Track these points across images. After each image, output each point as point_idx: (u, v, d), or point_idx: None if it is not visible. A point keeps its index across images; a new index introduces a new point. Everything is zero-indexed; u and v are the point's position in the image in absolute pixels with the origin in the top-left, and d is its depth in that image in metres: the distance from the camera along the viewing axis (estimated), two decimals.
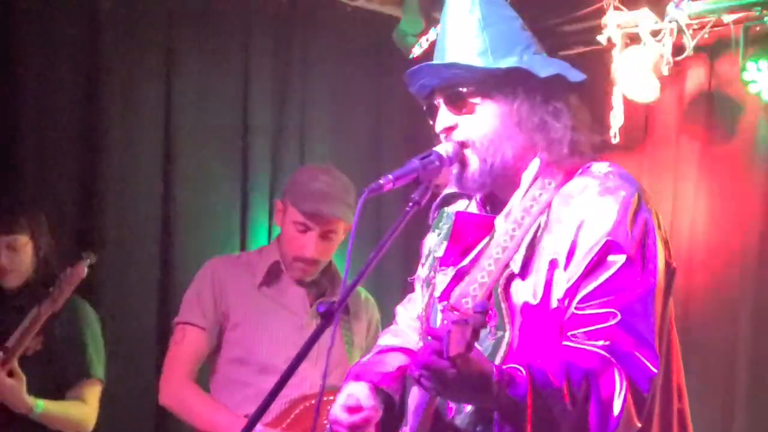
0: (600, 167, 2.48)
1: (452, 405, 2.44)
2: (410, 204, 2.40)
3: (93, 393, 4.20)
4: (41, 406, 4.00)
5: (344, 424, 2.57)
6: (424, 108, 2.60)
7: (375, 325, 4.09)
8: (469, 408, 2.39)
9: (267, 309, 3.91)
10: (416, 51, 5.05)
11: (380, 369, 2.65)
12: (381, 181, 2.40)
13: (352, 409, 2.59)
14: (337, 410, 2.60)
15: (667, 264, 2.44)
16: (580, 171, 2.48)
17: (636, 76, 5.09)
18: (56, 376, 4.13)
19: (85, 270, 4.06)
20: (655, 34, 5.05)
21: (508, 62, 2.48)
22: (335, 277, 4.02)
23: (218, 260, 4.07)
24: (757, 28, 4.94)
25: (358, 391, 2.61)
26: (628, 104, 5.13)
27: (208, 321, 3.90)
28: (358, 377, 2.67)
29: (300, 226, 3.88)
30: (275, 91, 5.43)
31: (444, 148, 2.48)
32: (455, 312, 2.30)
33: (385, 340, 2.80)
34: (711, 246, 5.15)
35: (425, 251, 2.71)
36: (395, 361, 2.67)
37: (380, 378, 2.64)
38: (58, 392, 4.12)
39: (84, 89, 4.80)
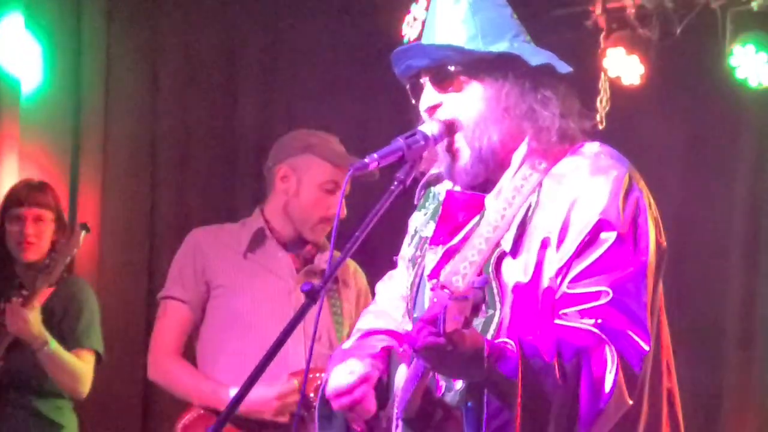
0: (591, 147, 2.48)
1: (442, 382, 2.43)
2: (395, 183, 2.40)
3: (89, 360, 4.26)
4: (54, 343, 4.08)
5: (343, 389, 2.52)
6: (408, 88, 2.57)
7: (364, 294, 4.08)
8: (459, 385, 2.38)
9: (253, 274, 3.91)
10: (406, 31, 5.03)
11: (365, 352, 2.63)
12: (366, 160, 2.39)
13: (349, 374, 2.55)
14: (333, 382, 2.56)
15: (658, 244, 2.44)
16: (571, 151, 2.47)
17: (623, 60, 5.08)
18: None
19: (80, 242, 4.15)
20: (642, 18, 5.05)
21: (499, 47, 2.47)
22: (323, 243, 4.00)
23: (200, 231, 4.05)
24: (744, 13, 4.93)
25: (346, 364, 2.58)
26: (615, 89, 5.13)
27: (190, 294, 3.90)
28: (341, 359, 2.64)
29: (329, 185, 3.87)
30: (263, 75, 5.42)
31: (429, 128, 2.46)
32: (445, 290, 2.29)
33: (367, 322, 2.77)
34: (698, 230, 5.16)
35: (411, 230, 2.70)
36: (378, 342, 2.65)
37: (363, 358, 2.61)
38: None
39: None
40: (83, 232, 4.15)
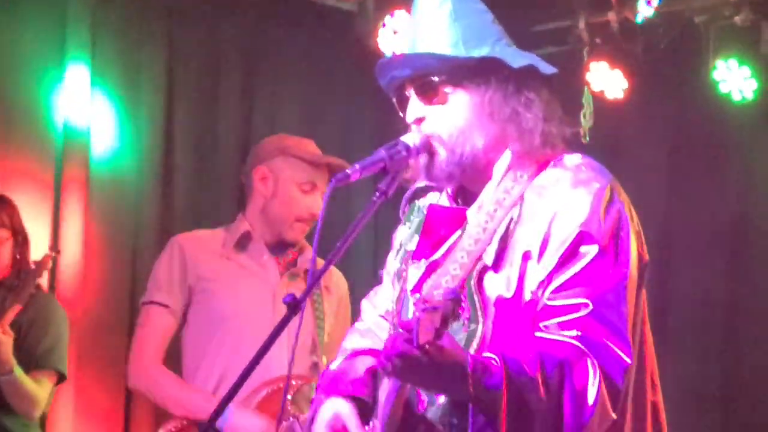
0: (572, 159, 2.47)
1: (424, 397, 2.42)
2: (377, 194, 2.40)
3: (47, 383, 4.20)
4: (18, 371, 4.04)
5: None
6: (394, 100, 2.57)
7: (345, 301, 4.10)
8: (441, 400, 2.37)
9: (237, 277, 3.91)
10: (383, 45, 5.05)
11: (352, 377, 2.61)
12: (348, 171, 2.39)
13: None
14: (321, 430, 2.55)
15: (640, 256, 2.43)
16: (552, 163, 2.46)
17: (606, 74, 5.09)
18: (21, 366, 4.12)
19: (50, 263, 4.14)
20: (625, 32, 5.05)
21: (481, 52, 2.47)
22: (303, 245, 4.02)
23: (183, 236, 4.06)
24: (727, 28, 4.95)
25: (344, 415, 2.55)
26: (599, 103, 5.13)
27: (173, 299, 3.89)
28: (332, 389, 2.61)
29: (306, 186, 3.92)
30: (245, 87, 5.41)
31: (411, 138, 2.46)
32: (427, 304, 2.27)
33: (353, 342, 2.75)
34: (682, 242, 5.16)
35: (396, 244, 2.69)
36: (363, 365, 2.63)
37: (354, 387, 2.60)
38: None
39: None
40: (53, 254, 4.15)
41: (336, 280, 4.11)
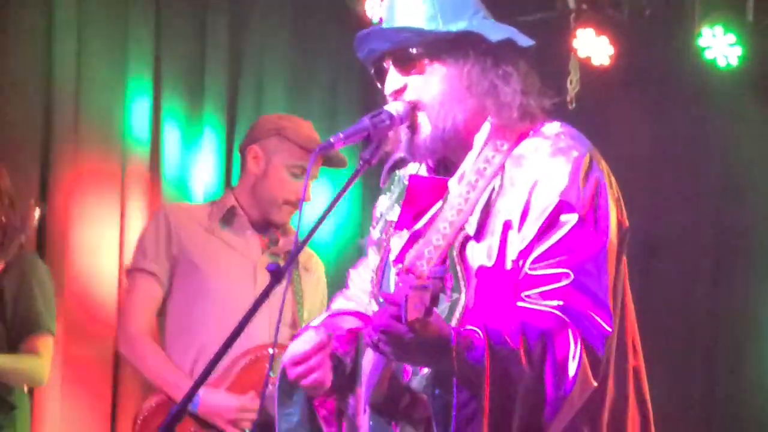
0: (551, 128, 2.47)
1: (408, 368, 2.43)
2: (361, 163, 2.41)
3: (45, 345, 4.16)
4: None
5: (298, 356, 2.51)
6: (373, 72, 2.57)
7: (323, 283, 4.13)
8: (425, 370, 2.39)
9: (219, 252, 3.93)
10: (371, 12, 5.03)
11: (333, 332, 2.61)
12: (331, 140, 2.41)
13: (304, 343, 2.55)
14: (289, 350, 2.56)
15: (620, 223, 2.44)
16: (531, 132, 2.47)
17: (592, 41, 5.09)
18: (7, 330, 4.10)
19: (36, 221, 4.09)
20: None
21: (458, 26, 2.47)
22: (288, 229, 4.04)
23: (170, 205, 4.16)
24: None
25: (304, 334, 2.58)
26: (585, 69, 5.14)
27: (159, 266, 3.91)
28: None
29: (297, 170, 3.92)
30: (232, 49, 5.39)
31: (395, 107, 2.47)
32: (411, 275, 2.29)
33: (337, 303, 2.78)
34: (667, 209, 5.19)
35: (377, 214, 2.70)
36: (347, 323, 2.64)
37: (335, 341, 2.60)
38: (9, 347, 4.09)
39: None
40: (37, 210, 4.10)
41: (314, 261, 4.15)
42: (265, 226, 4.00)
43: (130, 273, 3.99)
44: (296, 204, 3.93)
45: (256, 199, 3.96)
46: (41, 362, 4.15)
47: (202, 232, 3.94)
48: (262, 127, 4.06)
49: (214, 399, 3.72)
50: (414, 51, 2.46)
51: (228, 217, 3.97)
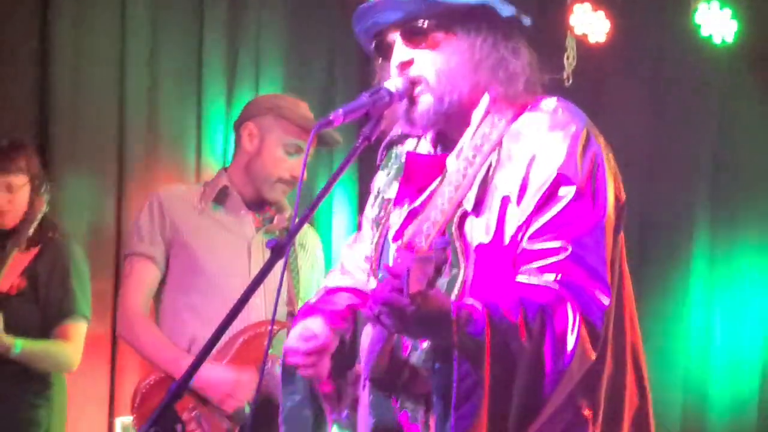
0: (548, 103, 2.48)
1: (408, 342, 2.44)
2: (360, 139, 2.40)
3: (77, 331, 4.20)
4: (19, 345, 4.00)
5: (299, 351, 2.54)
6: (372, 47, 2.56)
7: (320, 260, 4.14)
8: (424, 345, 2.40)
9: (213, 233, 3.94)
10: None
11: (329, 308, 2.64)
12: (330, 117, 2.39)
13: (307, 339, 2.55)
14: (292, 341, 2.56)
15: (617, 197, 2.45)
16: (529, 107, 2.47)
17: (589, 17, 5.08)
18: (41, 314, 4.13)
19: (44, 205, 4.09)
20: None
21: None
22: (283, 205, 4.04)
23: (162, 190, 4.10)
24: None
25: (311, 323, 2.58)
26: (582, 46, 5.14)
27: (155, 249, 3.93)
28: (306, 315, 2.64)
29: (291, 148, 3.92)
30: (230, 24, 5.38)
31: (393, 84, 2.46)
32: (410, 251, 2.29)
33: (333, 280, 2.78)
34: (662, 185, 5.20)
35: (374, 191, 2.71)
36: (344, 300, 2.66)
37: (330, 317, 2.62)
38: (42, 331, 4.12)
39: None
40: (46, 196, 4.12)
41: (310, 237, 4.15)
42: (259, 205, 4.00)
43: (127, 257, 3.99)
44: (290, 182, 3.93)
45: (249, 177, 3.96)
46: (71, 348, 4.17)
47: (195, 214, 3.95)
48: (257, 105, 4.06)
49: (210, 373, 3.73)
50: (424, 24, 2.45)
51: (221, 197, 3.97)
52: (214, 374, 3.75)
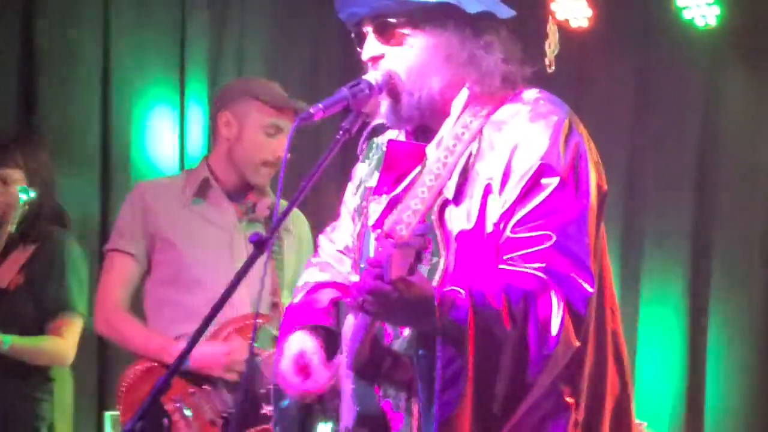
0: (530, 94, 2.49)
1: (390, 330, 2.45)
2: (341, 132, 2.41)
3: (71, 326, 4.19)
4: (8, 341, 3.99)
5: (294, 389, 2.58)
6: (353, 35, 2.58)
7: (306, 241, 4.12)
8: (406, 332, 2.40)
9: (195, 226, 3.93)
10: None
11: (316, 307, 2.66)
12: (311, 110, 2.40)
13: (301, 369, 2.59)
14: (288, 369, 2.59)
15: (599, 187, 2.46)
16: (510, 98, 2.48)
17: (570, 3, 5.09)
18: (37, 309, 4.13)
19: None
20: None
21: None
22: (264, 192, 4.03)
23: (146, 183, 4.11)
24: None
25: (308, 350, 2.60)
26: (564, 32, 5.14)
27: (136, 246, 3.92)
28: (297, 322, 2.66)
29: (271, 129, 3.91)
30: (214, 17, 5.38)
31: (373, 76, 2.48)
32: (390, 239, 2.31)
33: (312, 275, 2.79)
34: (648, 171, 5.21)
35: (355, 181, 2.72)
36: (326, 296, 2.67)
37: (318, 317, 2.65)
38: (38, 326, 4.12)
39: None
40: (40, 189, 4.09)
41: (295, 219, 4.12)
42: (240, 194, 3.99)
43: (108, 253, 3.99)
44: (274, 164, 3.91)
45: (232, 164, 3.95)
46: (64, 344, 4.16)
47: (178, 208, 3.93)
48: (230, 90, 4.05)
49: (203, 350, 3.73)
50: (393, 20, 2.47)
51: (202, 190, 3.95)
52: (207, 350, 3.74)
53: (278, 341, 2.69)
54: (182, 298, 3.84)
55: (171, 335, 3.83)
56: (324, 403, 2.61)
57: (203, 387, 3.78)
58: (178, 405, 3.76)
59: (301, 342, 2.61)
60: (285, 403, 2.69)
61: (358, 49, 2.56)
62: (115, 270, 3.94)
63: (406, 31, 2.47)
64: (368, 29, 2.51)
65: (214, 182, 3.96)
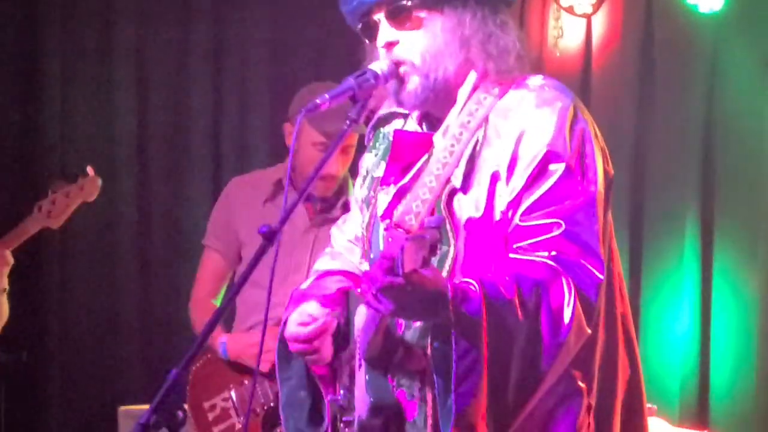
0: (535, 80, 2.50)
1: (401, 320, 2.46)
2: (347, 122, 2.42)
3: None
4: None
5: (301, 338, 2.55)
6: (359, 27, 2.57)
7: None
8: (418, 323, 2.41)
9: (271, 221, 4.01)
10: None
11: (321, 293, 2.65)
12: (317, 101, 2.41)
13: (306, 324, 2.57)
14: (292, 328, 2.58)
15: (605, 172, 2.47)
16: (514, 85, 2.49)
17: None
18: None
19: (95, 190, 4.05)
20: None
21: None
22: (343, 189, 4.14)
23: (236, 179, 4.33)
24: None
25: (307, 307, 2.60)
26: (568, 18, 5.14)
27: (223, 242, 4.19)
28: (300, 301, 2.66)
29: (321, 146, 3.99)
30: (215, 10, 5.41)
31: (379, 66, 2.47)
32: (399, 229, 2.32)
33: (323, 264, 2.79)
34: (652, 156, 5.20)
35: (363, 171, 2.72)
36: (335, 284, 2.67)
37: (324, 301, 2.63)
38: None
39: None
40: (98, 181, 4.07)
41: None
42: (313, 196, 4.12)
43: (203, 247, 4.25)
44: (327, 178, 4.04)
45: (296, 172, 4.09)
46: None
47: (256, 205, 4.12)
48: (294, 103, 4.16)
49: (238, 341, 4.00)
50: (409, 3, 2.45)
51: (278, 189, 4.13)
52: (242, 340, 4.00)
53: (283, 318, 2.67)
54: (257, 293, 3.91)
55: (245, 327, 4.07)
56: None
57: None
58: (231, 392, 3.98)
59: (303, 306, 2.60)
60: (290, 382, 2.66)
61: (366, 41, 2.56)
62: (204, 265, 4.24)
63: (422, 14, 2.46)
64: (379, 17, 2.49)
65: (288, 183, 4.03)
